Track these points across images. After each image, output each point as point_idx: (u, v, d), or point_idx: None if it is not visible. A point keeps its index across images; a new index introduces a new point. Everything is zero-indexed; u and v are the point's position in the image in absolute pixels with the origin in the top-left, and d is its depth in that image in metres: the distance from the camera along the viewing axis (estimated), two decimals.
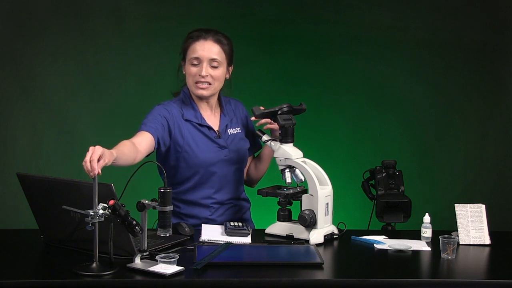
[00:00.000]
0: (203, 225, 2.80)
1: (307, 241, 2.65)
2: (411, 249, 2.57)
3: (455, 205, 2.73)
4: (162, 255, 2.29)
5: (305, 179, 2.73)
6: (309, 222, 2.65)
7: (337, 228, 2.77)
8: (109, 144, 4.63)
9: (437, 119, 4.51)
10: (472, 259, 2.58)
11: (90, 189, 2.22)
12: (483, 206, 2.74)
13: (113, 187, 2.25)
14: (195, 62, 2.82)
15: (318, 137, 4.38)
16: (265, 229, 2.80)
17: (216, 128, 2.91)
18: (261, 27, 4.41)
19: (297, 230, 2.70)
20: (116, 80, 4.41)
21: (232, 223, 2.72)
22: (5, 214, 4.21)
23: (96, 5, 4.35)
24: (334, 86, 4.48)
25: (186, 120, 2.85)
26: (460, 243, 2.66)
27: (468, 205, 2.73)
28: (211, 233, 2.69)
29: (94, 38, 4.35)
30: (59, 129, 4.38)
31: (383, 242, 2.64)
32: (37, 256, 2.52)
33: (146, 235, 2.35)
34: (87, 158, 2.23)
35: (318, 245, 2.61)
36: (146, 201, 2.34)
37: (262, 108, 2.77)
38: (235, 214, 2.95)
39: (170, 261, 2.25)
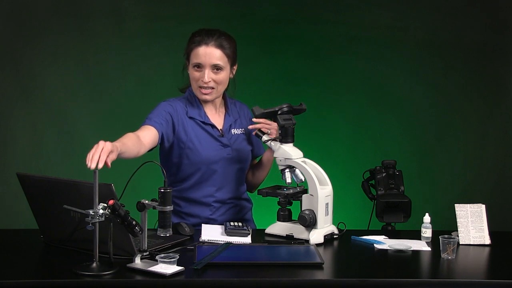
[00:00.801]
0: (203, 225, 2.81)
1: (307, 241, 2.65)
2: (411, 249, 2.57)
3: (455, 205, 2.73)
4: (162, 255, 2.29)
5: (305, 179, 2.73)
6: (309, 222, 2.65)
7: (337, 228, 2.77)
8: None
9: (437, 119, 4.51)
10: (472, 259, 2.58)
11: (90, 189, 2.22)
12: (483, 206, 2.74)
13: (113, 187, 2.25)
14: (198, 68, 2.83)
15: (318, 137, 4.38)
16: (265, 229, 2.81)
17: (220, 127, 2.91)
18: (261, 27, 4.41)
19: (297, 230, 2.70)
20: (116, 80, 4.40)
21: (232, 223, 2.72)
22: (5, 214, 4.21)
23: (96, 5, 4.35)
24: (334, 86, 4.48)
25: (190, 117, 2.87)
26: (460, 243, 2.66)
27: (468, 205, 2.73)
28: (211, 233, 2.69)
29: (94, 38, 4.35)
30: (59, 129, 4.38)
31: (383, 242, 2.64)
32: (37, 256, 2.52)
33: (146, 235, 2.35)
34: (94, 151, 2.24)
35: (318, 245, 2.61)
36: (146, 201, 2.34)
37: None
38: (236, 214, 2.95)
39: (170, 261, 2.25)
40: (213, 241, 2.61)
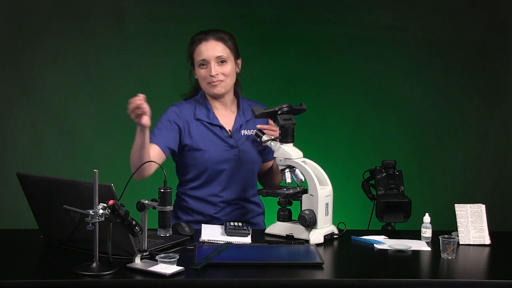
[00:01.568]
0: (203, 225, 2.81)
1: (307, 241, 2.65)
2: (411, 249, 2.57)
3: (455, 205, 2.73)
4: (162, 255, 2.29)
5: (305, 179, 2.73)
6: (309, 222, 2.65)
7: (337, 228, 2.77)
8: (109, 143, 4.64)
9: (437, 119, 4.51)
10: (472, 259, 2.58)
11: (90, 189, 2.22)
12: (483, 206, 2.74)
13: (113, 187, 2.26)
14: (203, 64, 2.86)
15: (318, 137, 4.37)
16: (265, 229, 2.80)
17: (229, 127, 2.93)
18: (261, 27, 4.41)
19: (297, 230, 2.70)
20: (116, 80, 4.40)
21: (232, 223, 2.72)
22: (5, 214, 4.21)
23: (96, 5, 4.35)
24: (334, 86, 4.47)
25: (197, 119, 2.90)
26: (460, 243, 2.66)
27: (468, 205, 2.73)
28: (211, 233, 2.69)
29: (94, 38, 4.35)
30: (59, 129, 4.37)
31: (383, 242, 2.64)
32: (37, 256, 2.52)
33: (146, 235, 2.35)
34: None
35: (318, 245, 2.61)
36: (146, 201, 2.34)
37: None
38: (242, 216, 2.95)
39: (170, 261, 2.25)
40: (213, 241, 2.61)
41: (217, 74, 2.85)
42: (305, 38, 4.43)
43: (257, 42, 4.36)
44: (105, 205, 2.21)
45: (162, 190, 2.36)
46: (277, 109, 2.76)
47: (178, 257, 2.27)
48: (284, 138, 2.76)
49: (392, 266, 2.47)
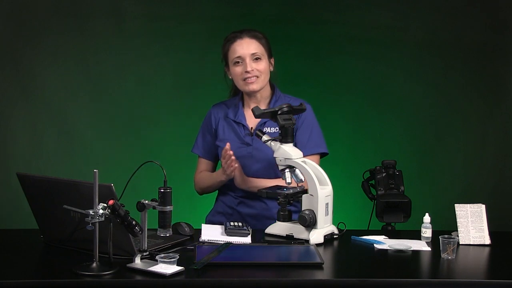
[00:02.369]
0: (203, 225, 2.81)
1: (307, 241, 2.65)
2: (411, 249, 2.57)
3: (455, 205, 2.73)
4: (162, 255, 2.29)
5: (305, 179, 2.72)
6: (309, 222, 2.65)
7: (337, 228, 2.77)
8: (109, 143, 4.64)
9: (437, 119, 4.51)
10: (472, 259, 2.58)
11: (90, 189, 2.22)
12: (483, 206, 2.74)
13: (113, 187, 2.26)
14: (238, 61, 2.91)
15: None
16: (265, 229, 2.81)
17: (253, 125, 2.96)
18: (261, 27, 4.36)
19: (297, 230, 2.70)
20: (116, 80, 4.40)
21: (232, 223, 2.72)
22: (5, 214, 4.21)
23: (96, 5, 4.35)
24: (334, 86, 4.47)
25: (226, 117, 3.00)
26: (460, 243, 2.66)
27: (468, 205, 2.73)
28: (211, 233, 2.69)
29: (94, 38, 4.35)
30: (59, 129, 4.38)
31: (383, 242, 2.64)
32: (37, 256, 2.52)
33: (146, 235, 2.35)
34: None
35: (318, 245, 2.61)
36: (146, 201, 2.34)
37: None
38: (263, 211, 2.96)
39: (170, 261, 2.25)
40: (213, 241, 2.61)
41: (253, 70, 2.89)
42: (305, 38, 4.43)
43: None
44: (105, 205, 2.21)
45: (162, 190, 2.36)
46: (277, 109, 2.76)
47: (178, 257, 2.27)
48: (284, 138, 2.75)
49: (392, 266, 2.47)
